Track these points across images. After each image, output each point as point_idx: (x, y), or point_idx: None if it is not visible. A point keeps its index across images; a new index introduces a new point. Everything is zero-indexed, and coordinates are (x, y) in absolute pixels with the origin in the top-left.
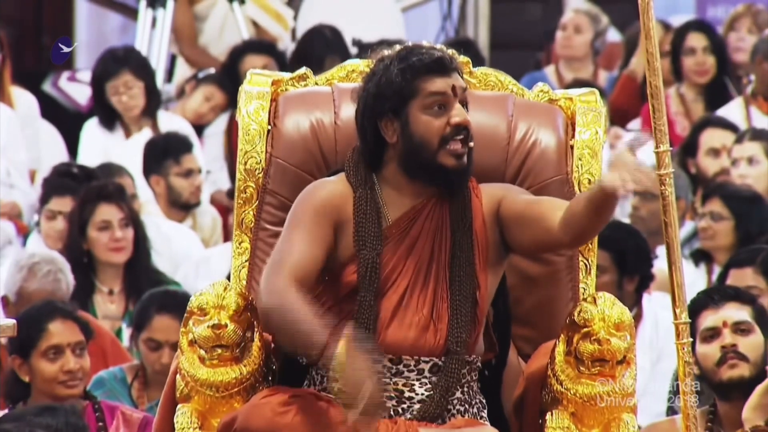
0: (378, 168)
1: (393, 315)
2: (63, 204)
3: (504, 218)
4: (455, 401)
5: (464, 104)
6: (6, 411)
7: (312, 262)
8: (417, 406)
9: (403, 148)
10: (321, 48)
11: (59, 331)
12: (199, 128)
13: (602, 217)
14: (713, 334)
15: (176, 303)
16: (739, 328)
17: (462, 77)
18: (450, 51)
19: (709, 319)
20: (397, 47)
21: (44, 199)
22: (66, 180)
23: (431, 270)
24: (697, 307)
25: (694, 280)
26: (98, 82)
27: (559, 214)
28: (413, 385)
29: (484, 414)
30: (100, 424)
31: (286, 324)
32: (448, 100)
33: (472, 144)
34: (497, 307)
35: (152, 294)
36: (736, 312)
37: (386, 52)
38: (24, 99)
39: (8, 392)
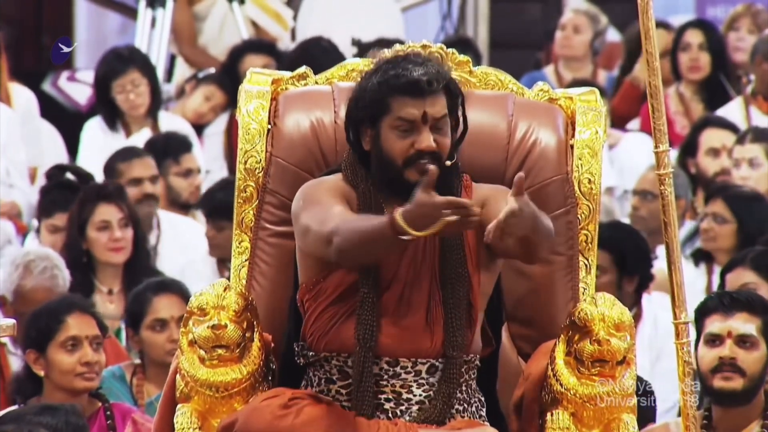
0: (369, 169)
1: (389, 318)
2: (66, 220)
3: (486, 224)
4: (453, 402)
5: (439, 128)
6: (16, 407)
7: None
8: (415, 407)
9: (375, 159)
10: (325, 59)
11: (78, 324)
12: (199, 128)
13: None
14: (716, 340)
15: (171, 283)
16: (743, 341)
17: (451, 93)
18: (450, 50)
19: (715, 324)
20: (397, 47)
21: (46, 212)
22: (67, 193)
23: (424, 272)
24: (706, 309)
25: (694, 280)
26: (104, 81)
27: None
28: (411, 386)
29: (483, 412)
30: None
31: (355, 241)
32: (415, 126)
33: (448, 163)
34: (491, 301)
35: (144, 285)
36: (744, 324)
37: (386, 52)
38: (23, 96)
39: (20, 388)
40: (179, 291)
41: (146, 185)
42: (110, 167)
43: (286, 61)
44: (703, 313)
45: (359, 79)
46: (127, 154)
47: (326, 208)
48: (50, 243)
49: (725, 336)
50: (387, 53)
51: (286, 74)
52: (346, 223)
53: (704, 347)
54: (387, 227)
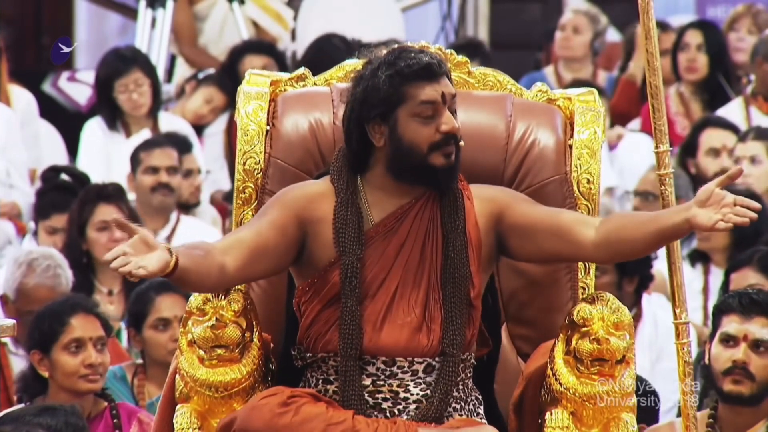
0: (363, 170)
1: (384, 316)
2: (64, 221)
3: (512, 226)
4: (450, 399)
5: (453, 109)
6: (21, 405)
7: (251, 234)
8: (413, 406)
9: (391, 152)
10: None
11: (82, 325)
12: (199, 128)
13: (661, 246)
14: (730, 341)
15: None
16: (757, 346)
17: (450, 81)
18: (449, 51)
19: (732, 326)
20: (389, 47)
21: (43, 213)
22: (64, 194)
23: (422, 270)
24: (725, 307)
25: (691, 280)
26: (106, 80)
27: (585, 229)
28: (408, 385)
29: (480, 410)
30: (117, 431)
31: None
32: (437, 108)
33: (462, 143)
34: (485, 303)
35: (146, 284)
36: (760, 329)
37: (383, 51)
38: (22, 98)
39: (25, 388)
40: (182, 291)
41: (162, 174)
42: (134, 157)
43: (301, 60)
44: (721, 310)
45: (355, 81)
46: (149, 144)
47: (239, 229)
48: (48, 245)
49: (740, 339)
50: (383, 50)
51: (285, 75)
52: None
53: (719, 346)
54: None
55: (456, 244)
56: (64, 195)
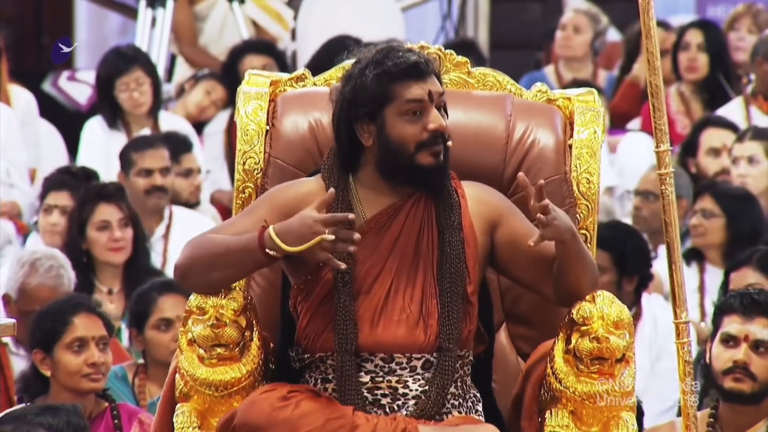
0: (354, 169)
1: (380, 312)
2: (59, 198)
3: (502, 241)
4: (449, 396)
5: (441, 108)
6: (22, 405)
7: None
8: (412, 402)
9: (380, 151)
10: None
11: (84, 324)
12: (199, 127)
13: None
14: (731, 341)
15: (176, 283)
16: (758, 346)
17: (439, 79)
18: (449, 51)
19: (733, 326)
20: (379, 47)
21: (42, 196)
22: (64, 176)
23: (417, 266)
24: (727, 307)
25: (687, 279)
26: (107, 79)
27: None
28: (407, 381)
29: (479, 407)
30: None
31: (214, 253)
32: (424, 107)
33: (450, 143)
34: (480, 299)
35: (149, 285)
36: (761, 330)
37: (372, 50)
38: (22, 97)
39: (26, 388)
40: (184, 291)
41: (156, 177)
42: (125, 155)
43: (311, 61)
44: (722, 310)
45: (344, 80)
46: (140, 144)
47: (231, 224)
48: (45, 223)
49: (741, 339)
50: (369, 50)
51: (285, 76)
52: (207, 238)
53: (720, 346)
54: (253, 240)
55: (452, 239)
56: (63, 176)
